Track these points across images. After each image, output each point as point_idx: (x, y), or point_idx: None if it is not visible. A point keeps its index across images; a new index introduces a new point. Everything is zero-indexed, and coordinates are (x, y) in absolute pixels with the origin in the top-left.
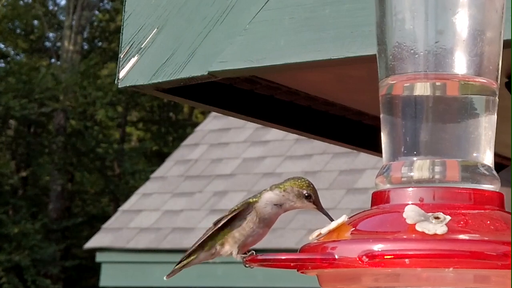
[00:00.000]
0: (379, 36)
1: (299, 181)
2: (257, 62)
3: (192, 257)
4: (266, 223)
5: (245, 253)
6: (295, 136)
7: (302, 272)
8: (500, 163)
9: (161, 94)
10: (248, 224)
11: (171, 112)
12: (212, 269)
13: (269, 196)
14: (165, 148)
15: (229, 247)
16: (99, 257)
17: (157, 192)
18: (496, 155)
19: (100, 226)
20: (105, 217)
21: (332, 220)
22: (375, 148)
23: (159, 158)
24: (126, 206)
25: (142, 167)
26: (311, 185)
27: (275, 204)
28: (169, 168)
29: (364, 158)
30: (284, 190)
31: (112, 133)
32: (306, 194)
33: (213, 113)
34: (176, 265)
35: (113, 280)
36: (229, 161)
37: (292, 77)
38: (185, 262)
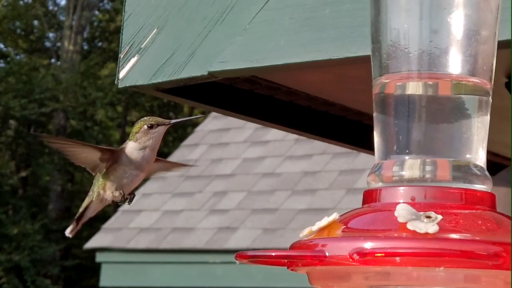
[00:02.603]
0: (373, 34)
1: (139, 123)
2: (257, 62)
3: (85, 205)
4: (138, 166)
5: (128, 195)
6: (295, 136)
7: (292, 270)
8: (500, 163)
9: (161, 94)
10: (120, 168)
11: (171, 112)
12: (212, 269)
13: (132, 144)
14: (165, 148)
15: (108, 190)
16: (99, 257)
17: (157, 192)
18: (496, 155)
19: (100, 226)
20: (105, 217)
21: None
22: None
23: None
24: (126, 206)
25: None
26: (148, 117)
27: (140, 149)
28: None
29: (364, 158)
30: (136, 138)
31: (112, 133)
32: (149, 126)
33: (213, 113)
34: (75, 219)
35: (113, 280)
36: (229, 161)
37: (292, 77)
38: (80, 211)
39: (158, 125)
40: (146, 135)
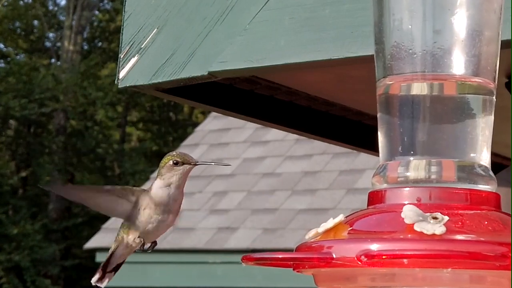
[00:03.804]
0: (377, 35)
1: (166, 158)
2: (257, 62)
3: (111, 251)
4: (164, 207)
5: (152, 242)
6: (295, 136)
7: (298, 272)
8: (500, 163)
9: (161, 94)
10: (145, 212)
11: (171, 112)
12: (212, 269)
13: (158, 182)
14: (165, 148)
15: (132, 235)
16: (99, 257)
17: None
18: (496, 155)
19: (100, 226)
20: (105, 217)
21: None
22: (375, 148)
23: (159, 158)
24: None
25: (142, 167)
26: (176, 153)
27: (165, 187)
28: None
29: (364, 158)
30: (161, 174)
31: (112, 133)
32: (174, 162)
33: (213, 113)
34: (101, 266)
35: (113, 280)
36: (229, 161)
37: (292, 77)
38: (106, 258)
39: (183, 163)
40: (170, 171)
